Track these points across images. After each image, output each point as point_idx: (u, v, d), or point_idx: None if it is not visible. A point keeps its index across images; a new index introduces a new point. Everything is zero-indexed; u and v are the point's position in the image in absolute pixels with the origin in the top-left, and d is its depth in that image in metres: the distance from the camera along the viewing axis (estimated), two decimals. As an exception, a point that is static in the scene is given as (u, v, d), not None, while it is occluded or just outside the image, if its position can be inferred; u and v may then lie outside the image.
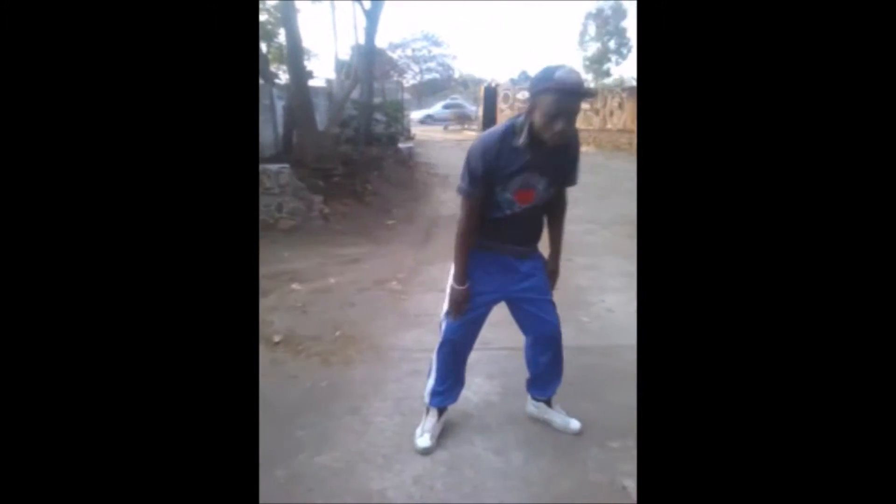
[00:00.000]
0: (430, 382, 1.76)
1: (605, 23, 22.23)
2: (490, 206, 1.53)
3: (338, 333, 2.64)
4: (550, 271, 1.73)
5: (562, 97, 1.35)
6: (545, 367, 1.76)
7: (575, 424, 1.79)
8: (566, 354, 2.37)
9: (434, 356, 1.73)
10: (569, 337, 2.59)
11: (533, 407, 1.87)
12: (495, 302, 1.69)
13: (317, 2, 9.71)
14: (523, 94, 14.57)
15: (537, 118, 1.38)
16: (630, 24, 24.11)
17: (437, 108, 21.80)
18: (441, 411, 1.78)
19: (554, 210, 1.67)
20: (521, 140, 1.43)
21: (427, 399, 1.78)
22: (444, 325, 1.69)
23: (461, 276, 1.59)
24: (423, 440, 1.71)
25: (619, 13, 20.26)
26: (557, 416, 1.83)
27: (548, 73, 1.37)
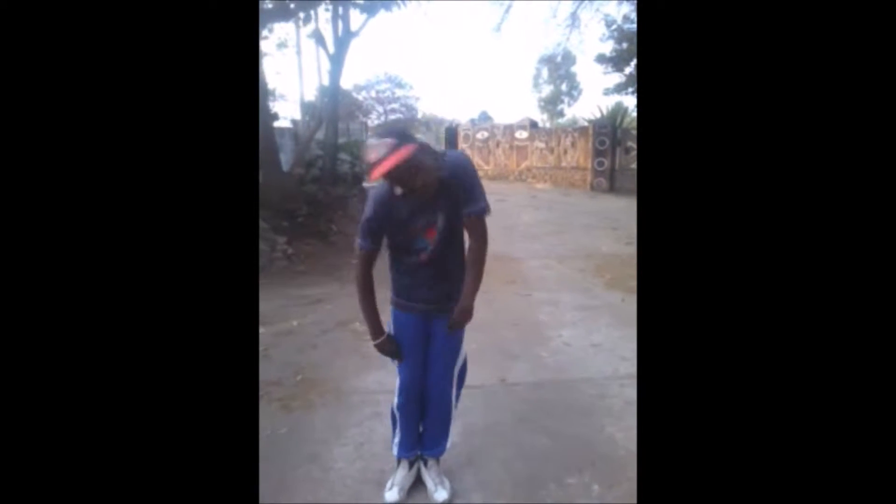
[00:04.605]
0: (397, 434, 1.75)
1: (557, 67, 23.62)
2: (405, 250, 1.55)
3: (299, 377, 2.61)
4: (460, 309, 1.57)
5: (397, 172, 1.31)
6: (426, 423, 1.73)
7: (441, 496, 1.66)
8: (524, 391, 2.45)
9: (396, 409, 1.72)
10: (527, 373, 2.68)
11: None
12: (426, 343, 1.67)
13: (282, 48, 9.93)
14: (483, 134, 15.11)
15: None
16: (579, 70, 25.55)
17: None
18: (411, 463, 1.75)
19: (472, 240, 1.54)
20: (399, 190, 1.42)
21: (395, 451, 1.75)
22: (398, 376, 1.69)
23: (373, 330, 1.60)
24: (392, 494, 1.67)
25: (569, 59, 21.64)
26: (429, 481, 1.72)
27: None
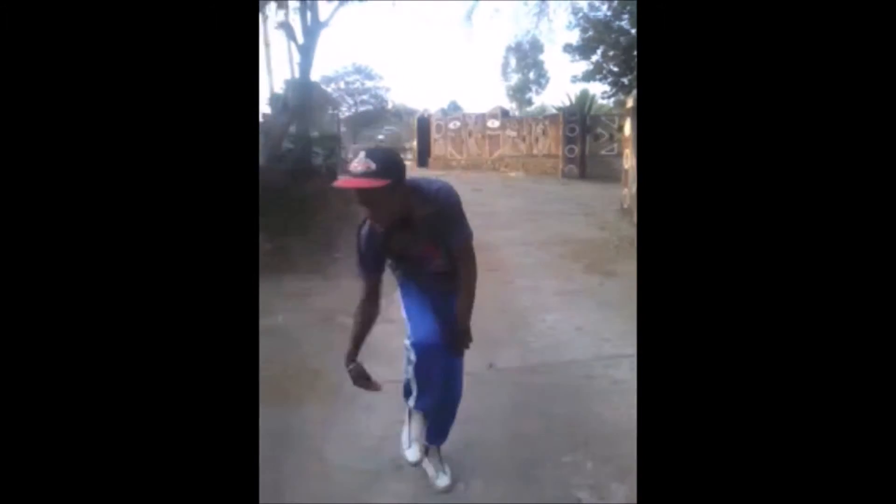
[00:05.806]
0: (414, 389, 1.70)
1: (525, 56, 23.70)
2: (416, 269, 1.59)
3: (288, 372, 2.60)
4: (459, 332, 1.61)
5: (356, 192, 1.31)
6: (433, 415, 1.74)
7: (443, 481, 1.71)
8: (514, 375, 2.51)
9: (412, 368, 1.66)
10: (515, 357, 2.74)
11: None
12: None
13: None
14: (455, 124, 15.07)
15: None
16: (547, 57, 25.64)
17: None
18: (425, 415, 1.73)
19: (463, 266, 1.58)
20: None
21: (412, 404, 1.72)
22: (411, 341, 1.63)
23: (348, 355, 1.59)
24: (412, 452, 1.68)
25: (537, 47, 21.72)
26: (430, 468, 1.75)
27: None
